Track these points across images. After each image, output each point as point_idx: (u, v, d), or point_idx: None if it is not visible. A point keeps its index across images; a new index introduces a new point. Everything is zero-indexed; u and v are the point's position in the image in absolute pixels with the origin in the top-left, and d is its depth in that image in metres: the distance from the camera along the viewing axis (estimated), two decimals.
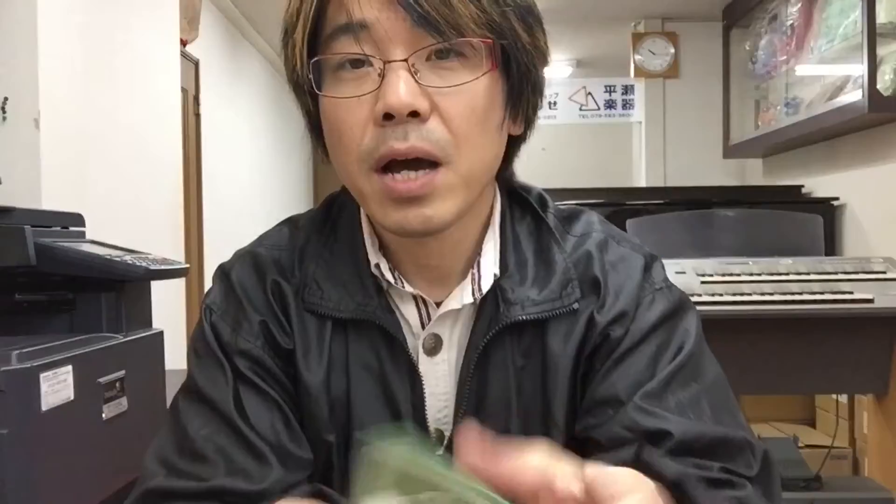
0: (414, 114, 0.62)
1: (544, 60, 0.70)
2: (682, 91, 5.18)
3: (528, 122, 0.73)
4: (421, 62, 0.63)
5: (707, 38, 5.00)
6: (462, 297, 0.71)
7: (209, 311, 0.74)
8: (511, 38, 0.66)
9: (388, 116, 0.62)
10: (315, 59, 0.66)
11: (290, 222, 0.79)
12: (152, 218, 3.15)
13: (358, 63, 0.65)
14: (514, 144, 0.74)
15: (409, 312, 0.72)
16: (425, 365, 0.71)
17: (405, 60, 0.63)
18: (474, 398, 0.69)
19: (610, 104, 5.30)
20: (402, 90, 0.61)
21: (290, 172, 7.18)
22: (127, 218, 2.82)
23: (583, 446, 0.66)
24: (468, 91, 0.64)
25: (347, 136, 0.65)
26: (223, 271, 0.77)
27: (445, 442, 0.70)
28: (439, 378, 0.71)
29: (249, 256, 0.76)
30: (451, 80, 0.64)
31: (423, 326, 0.72)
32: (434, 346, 0.71)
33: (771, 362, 2.20)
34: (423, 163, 0.63)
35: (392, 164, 0.64)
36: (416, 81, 0.63)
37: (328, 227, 0.77)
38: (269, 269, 0.73)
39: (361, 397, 0.69)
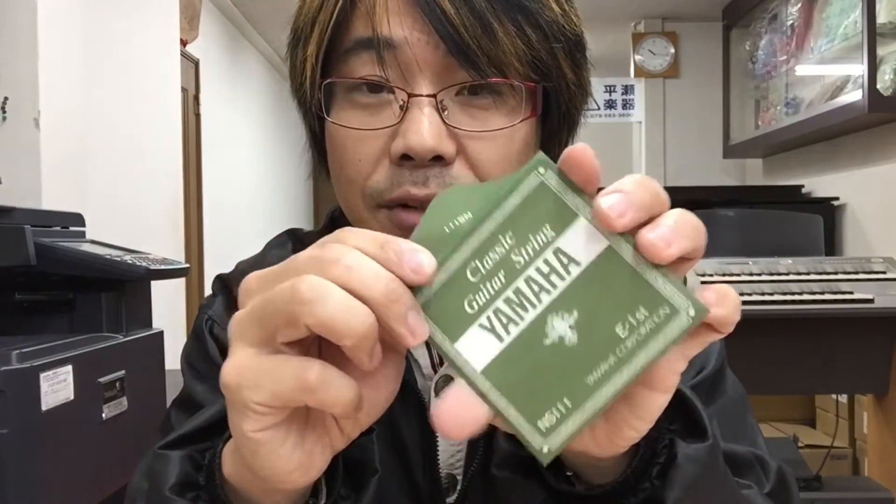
0: (437, 158, 0.54)
1: (586, 98, 0.63)
2: (682, 91, 5.18)
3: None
4: (450, 97, 0.55)
5: (707, 38, 5.00)
6: None
7: (210, 322, 0.68)
8: (556, 80, 0.58)
9: (406, 157, 0.54)
10: (328, 80, 0.58)
11: (294, 236, 0.73)
12: (152, 218, 3.15)
13: (377, 88, 0.56)
14: None
15: (419, 352, 0.65)
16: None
17: (433, 96, 0.54)
18: (488, 443, 0.62)
19: (610, 104, 5.30)
20: (426, 131, 0.53)
21: (289, 172, 7.18)
22: (127, 218, 2.82)
23: None
24: (502, 137, 0.56)
25: (354, 168, 0.57)
26: (224, 283, 0.71)
27: (458, 488, 0.63)
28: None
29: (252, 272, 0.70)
30: (483, 122, 0.56)
31: (433, 368, 0.65)
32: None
33: (771, 362, 2.20)
34: None
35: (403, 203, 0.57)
36: (444, 121, 0.55)
37: None
38: None
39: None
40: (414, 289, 0.37)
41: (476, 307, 0.37)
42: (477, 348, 0.37)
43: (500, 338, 0.37)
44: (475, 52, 0.53)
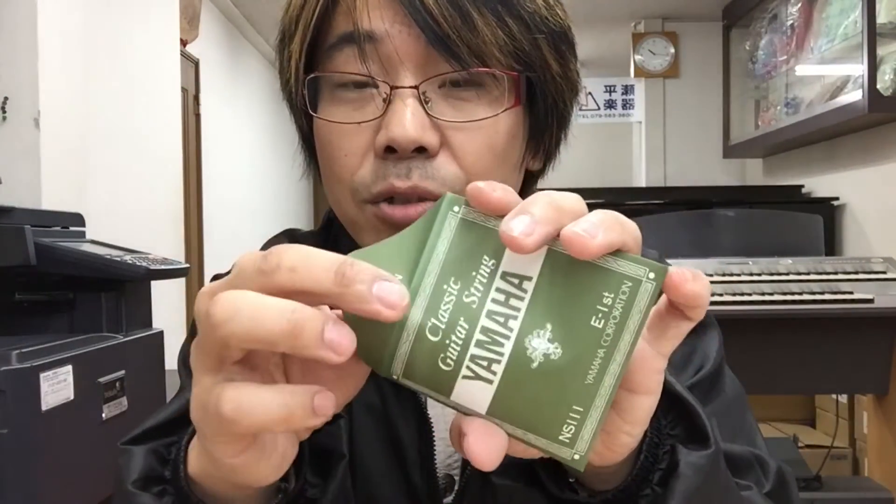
0: (421, 149, 0.54)
1: (574, 91, 0.63)
2: (682, 91, 5.18)
3: (549, 157, 0.66)
4: (433, 89, 0.56)
5: (707, 38, 5.00)
6: None
7: None
8: (540, 70, 0.58)
9: (390, 149, 0.54)
10: (312, 75, 0.58)
11: (291, 237, 0.73)
12: (152, 218, 3.15)
13: (361, 82, 0.57)
14: (530, 180, 0.66)
15: None
16: (434, 408, 0.63)
17: (415, 88, 0.55)
18: None
19: (610, 104, 5.30)
20: (408, 123, 0.53)
21: (289, 171, 7.18)
22: (127, 218, 2.82)
23: None
24: (486, 127, 0.56)
25: (340, 163, 0.58)
26: None
27: (455, 489, 0.63)
28: (448, 422, 0.60)
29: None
30: (466, 113, 0.56)
31: None
32: None
33: (771, 362, 2.20)
34: (427, 200, 0.56)
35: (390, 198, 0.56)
36: (426, 112, 0.55)
37: (328, 248, 0.68)
38: None
39: (364, 441, 0.62)
40: (383, 363, 0.36)
41: (451, 363, 0.35)
42: (472, 396, 0.36)
43: (488, 381, 0.36)
44: (455, 42, 0.53)
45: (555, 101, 0.61)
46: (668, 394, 0.49)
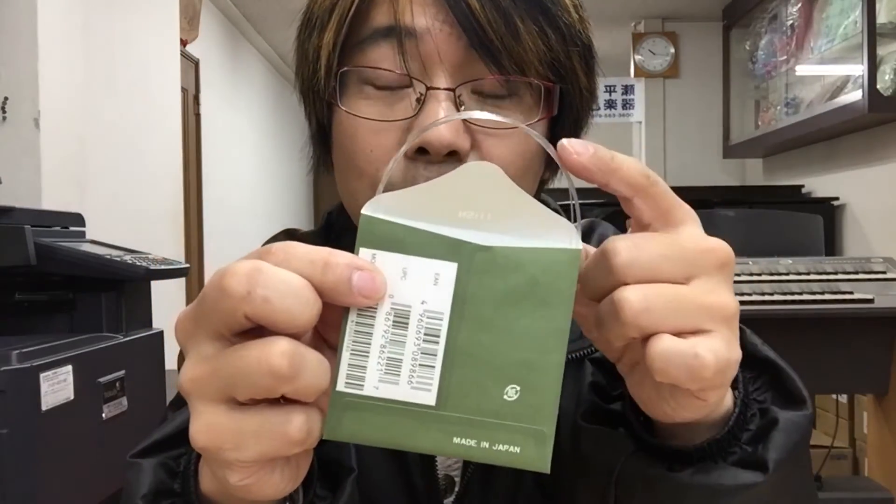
0: (452, 153, 0.54)
1: (593, 104, 0.64)
2: (682, 91, 5.18)
3: (558, 167, 0.68)
4: (467, 93, 0.55)
5: (707, 38, 5.00)
6: None
7: None
8: (571, 82, 0.58)
9: (422, 150, 0.53)
10: (346, 69, 0.56)
11: (291, 236, 0.70)
12: (152, 218, 3.15)
13: (393, 79, 0.55)
14: (539, 188, 0.66)
15: None
16: None
17: (452, 90, 0.54)
18: None
19: (610, 104, 5.30)
20: (443, 126, 0.52)
21: (289, 171, 7.18)
22: (127, 218, 2.82)
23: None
24: (517, 136, 0.56)
25: (365, 158, 0.56)
26: None
27: (456, 490, 0.63)
28: None
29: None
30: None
31: None
32: None
33: None
34: None
35: None
36: None
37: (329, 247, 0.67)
38: None
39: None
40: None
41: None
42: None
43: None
44: (498, 48, 0.53)
45: (578, 114, 0.61)
46: (757, 359, 0.51)
